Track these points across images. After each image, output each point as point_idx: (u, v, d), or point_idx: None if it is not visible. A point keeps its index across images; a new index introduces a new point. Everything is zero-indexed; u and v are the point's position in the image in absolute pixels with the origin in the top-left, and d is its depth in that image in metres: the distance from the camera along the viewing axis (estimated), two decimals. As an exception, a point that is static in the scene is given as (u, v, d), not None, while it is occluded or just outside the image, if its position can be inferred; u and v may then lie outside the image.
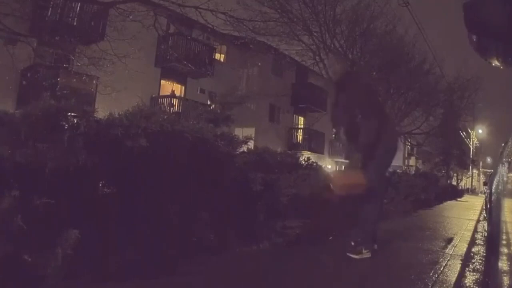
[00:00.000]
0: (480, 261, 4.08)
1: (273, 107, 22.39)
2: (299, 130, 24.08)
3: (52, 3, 13.11)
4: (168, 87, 18.45)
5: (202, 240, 3.04)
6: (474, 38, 1.15)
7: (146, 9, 11.87)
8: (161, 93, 17.80)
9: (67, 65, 13.76)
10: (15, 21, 10.47)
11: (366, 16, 15.65)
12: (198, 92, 19.28)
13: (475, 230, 6.59)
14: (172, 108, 15.69)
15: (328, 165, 22.87)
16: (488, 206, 4.68)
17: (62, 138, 2.46)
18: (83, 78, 13.57)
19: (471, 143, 38.06)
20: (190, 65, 16.01)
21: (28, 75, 12.53)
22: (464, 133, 31.70)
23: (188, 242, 2.96)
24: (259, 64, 19.39)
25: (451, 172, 34.26)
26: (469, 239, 5.31)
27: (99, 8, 13.35)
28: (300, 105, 23.31)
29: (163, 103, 16.22)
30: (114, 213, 2.55)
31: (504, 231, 1.33)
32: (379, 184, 3.51)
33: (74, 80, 13.26)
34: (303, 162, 6.09)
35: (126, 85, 12.96)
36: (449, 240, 4.93)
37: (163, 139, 2.84)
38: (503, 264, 1.24)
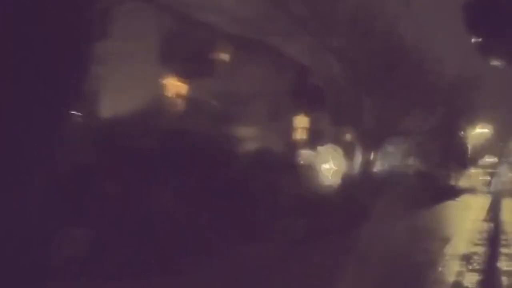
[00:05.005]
0: (480, 261, 4.08)
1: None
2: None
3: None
4: (171, 86, 18.44)
5: (202, 240, 3.03)
6: (475, 38, 1.15)
7: (148, 8, 11.86)
8: (164, 93, 17.78)
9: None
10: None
11: (366, 16, 15.65)
12: (200, 92, 19.26)
13: (475, 230, 6.59)
14: (174, 108, 15.68)
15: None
16: (488, 206, 4.68)
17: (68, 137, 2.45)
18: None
19: (471, 143, 38.05)
20: (191, 65, 16.02)
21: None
22: (464, 133, 31.69)
23: (190, 242, 2.96)
24: (260, 64, 19.34)
25: (451, 172, 34.26)
26: (469, 239, 5.31)
27: (102, 7, 13.36)
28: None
29: (165, 103, 16.22)
30: (114, 213, 2.55)
31: (504, 231, 1.33)
32: None
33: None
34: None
35: (128, 85, 12.95)
36: (449, 240, 4.93)
37: (165, 139, 2.84)
38: (503, 264, 1.24)
